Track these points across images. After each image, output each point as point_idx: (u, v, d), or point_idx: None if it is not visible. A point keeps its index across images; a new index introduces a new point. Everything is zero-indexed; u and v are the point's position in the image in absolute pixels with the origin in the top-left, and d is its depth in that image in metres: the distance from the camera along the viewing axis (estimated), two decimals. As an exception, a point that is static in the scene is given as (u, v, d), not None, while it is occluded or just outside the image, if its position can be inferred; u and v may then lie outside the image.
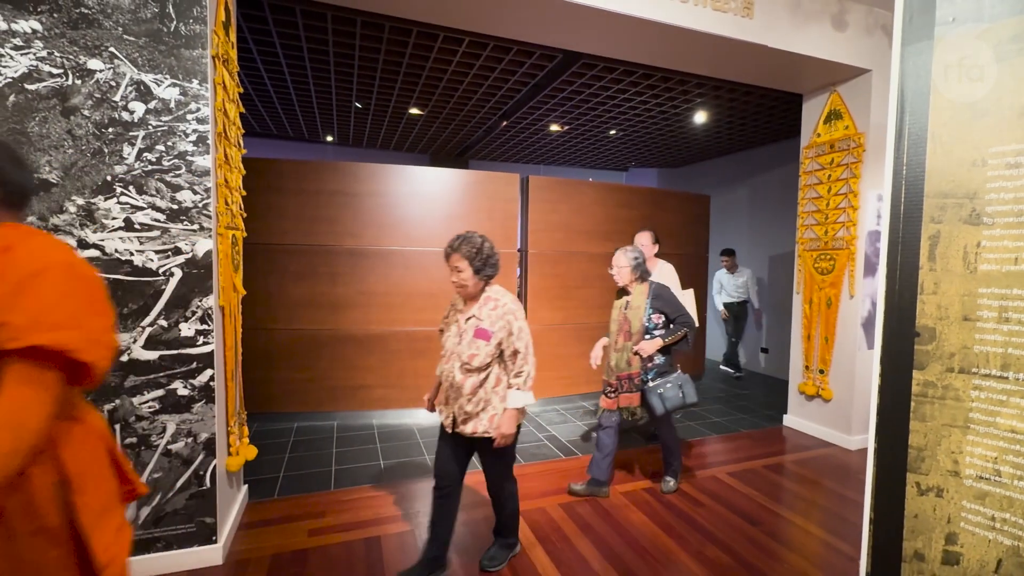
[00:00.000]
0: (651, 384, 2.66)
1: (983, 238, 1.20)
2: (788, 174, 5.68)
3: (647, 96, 4.47)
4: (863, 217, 3.59)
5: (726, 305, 5.95)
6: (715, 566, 2.19)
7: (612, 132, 5.78)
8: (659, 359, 2.73)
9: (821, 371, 3.84)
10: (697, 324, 3.13)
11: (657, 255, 3.52)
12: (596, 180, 6.04)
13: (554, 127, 5.58)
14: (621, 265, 2.71)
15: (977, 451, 1.21)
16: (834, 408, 3.77)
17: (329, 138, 6.24)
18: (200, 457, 2.12)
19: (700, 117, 5.10)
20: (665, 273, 3.42)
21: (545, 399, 4.52)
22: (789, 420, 4.12)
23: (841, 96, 3.71)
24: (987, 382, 1.19)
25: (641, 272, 2.73)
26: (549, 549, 2.31)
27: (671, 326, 2.70)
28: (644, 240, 3.41)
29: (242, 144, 2.54)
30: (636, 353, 2.65)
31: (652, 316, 2.70)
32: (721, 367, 6.11)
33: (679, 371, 2.74)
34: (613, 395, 2.74)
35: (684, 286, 5.25)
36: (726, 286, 5.96)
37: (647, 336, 2.69)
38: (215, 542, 2.16)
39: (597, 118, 5.20)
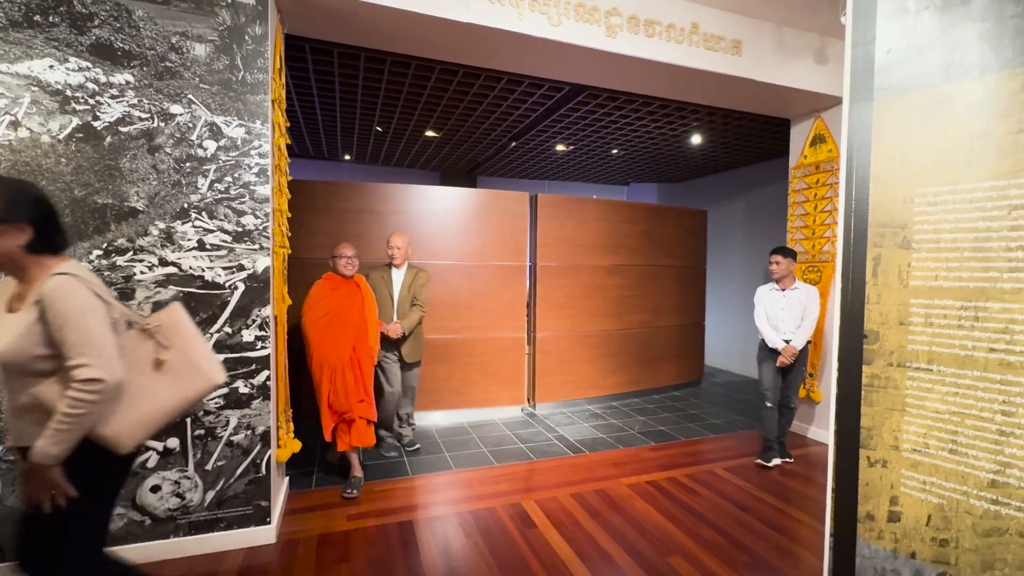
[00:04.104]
0: None
1: (912, 259, 1.52)
2: (780, 190, 6.01)
3: (647, 120, 4.82)
4: (846, 233, 3.90)
5: (770, 349, 3.45)
6: (709, 544, 2.48)
7: (614, 151, 6.13)
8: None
9: (811, 375, 4.13)
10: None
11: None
12: (599, 196, 6.39)
13: (560, 147, 5.93)
14: None
15: (911, 429, 1.52)
16: (823, 409, 4.05)
17: (347, 157, 6.61)
18: (257, 447, 2.42)
19: (696, 138, 5.44)
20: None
21: (554, 402, 4.81)
22: (782, 421, 4.39)
23: (825, 122, 4.05)
24: (918, 374, 1.50)
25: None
26: (563, 532, 2.60)
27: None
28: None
29: (288, 171, 2.87)
30: None
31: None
32: (758, 462, 3.51)
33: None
34: None
35: (684, 296, 5.57)
36: (771, 313, 3.49)
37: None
38: (269, 523, 2.46)
39: (600, 139, 5.55)
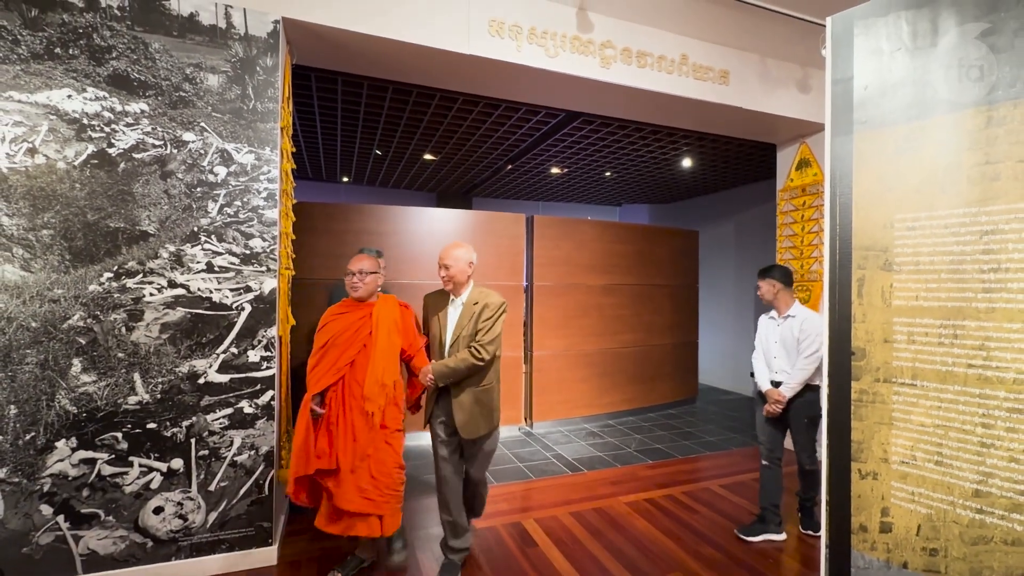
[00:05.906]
0: None
1: (894, 281, 1.61)
2: (768, 211, 6.18)
3: (639, 145, 4.98)
4: (833, 253, 4.03)
5: (760, 392, 2.81)
6: (709, 561, 2.51)
7: (608, 174, 6.29)
8: None
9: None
10: None
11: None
12: (592, 217, 6.53)
13: (554, 169, 6.08)
14: None
15: (899, 442, 1.59)
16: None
17: (345, 178, 6.71)
18: (260, 468, 2.44)
19: (687, 162, 5.62)
20: None
21: (551, 421, 4.84)
22: (776, 439, 4.45)
23: (809, 147, 4.22)
24: (903, 389, 1.58)
25: None
26: (564, 550, 2.61)
27: None
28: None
29: (293, 195, 2.95)
30: None
31: None
32: (737, 534, 2.78)
33: None
34: None
35: (677, 315, 5.67)
36: (766, 347, 2.81)
37: None
38: (271, 544, 2.46)
39: (594, 162, 5.70)
